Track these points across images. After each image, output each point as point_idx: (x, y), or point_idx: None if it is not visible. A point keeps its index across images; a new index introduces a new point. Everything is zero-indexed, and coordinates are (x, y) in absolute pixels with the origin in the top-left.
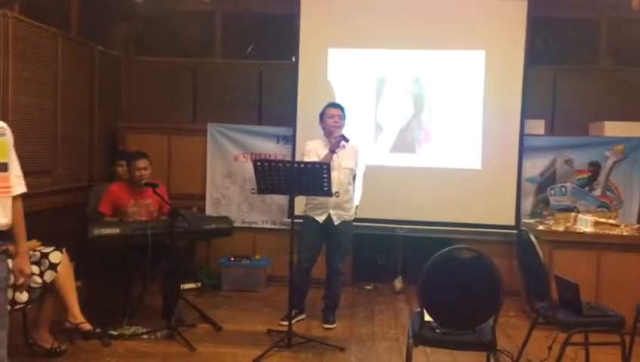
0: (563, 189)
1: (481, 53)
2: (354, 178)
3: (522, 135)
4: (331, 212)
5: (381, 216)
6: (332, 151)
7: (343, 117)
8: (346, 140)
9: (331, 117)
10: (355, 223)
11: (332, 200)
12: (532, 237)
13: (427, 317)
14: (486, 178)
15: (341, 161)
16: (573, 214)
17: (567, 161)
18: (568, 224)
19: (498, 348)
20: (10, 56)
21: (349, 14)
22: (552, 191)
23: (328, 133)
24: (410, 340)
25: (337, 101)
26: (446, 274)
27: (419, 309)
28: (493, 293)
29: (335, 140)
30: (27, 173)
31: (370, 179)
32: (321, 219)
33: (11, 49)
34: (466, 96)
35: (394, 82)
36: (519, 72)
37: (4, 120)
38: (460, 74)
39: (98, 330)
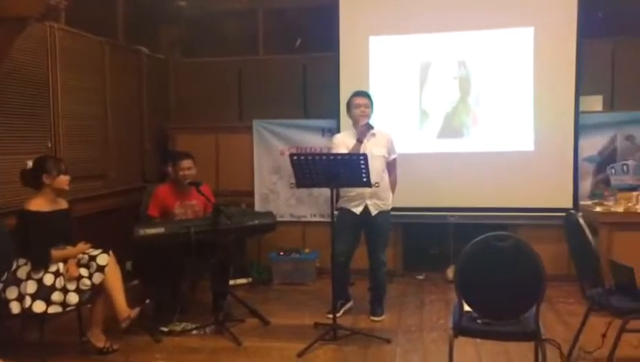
0: (625, 167)
1: (529, 30)
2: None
3: (577, 113)
4: (368, 202)
5: (431, 204)
6: (359, 141)
7: (369, 105)
8: (370, 128)
9: (357, 107)
10: (405, 212)
11: (368, 190)
12: (580, 220)
13: (467, 308)
14: (540, 160)
15: (372, 150)
16: (635, 193)
17: (629, 138)
18: (630, 204)
19: (546, 336)
20: (57, 67)
21: (389, 1)
22: (613, 170)
23: (355, 122)
24: (451, 331)
25: (380, 89)
26: (483, 262)
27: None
28: (534, 281)
29: (361, 129)
30: (80, 178)
31: (418, 167)
32: (358, 210)
33: (59, 60)
34: (515, 76)
35: (438, 66)
36: (572, 47)
37: (55, 128)
38: (507, 53)
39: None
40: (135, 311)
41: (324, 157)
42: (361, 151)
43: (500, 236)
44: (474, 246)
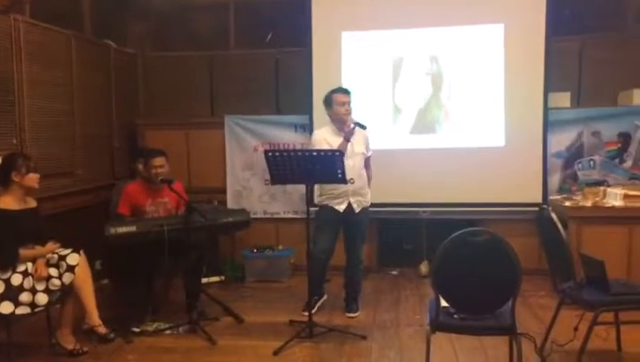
0: (591, 163)
1: (499, 26)
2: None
3: (546, 109)
4: (351, 200)
5: (404, 199)
6: (347, 140)
7: (350, 103)
8: (363, 128)
9: (342, 104)
10: (378, 208)
11: (351, 188)
12: (553, 215)
13: (444, 303)
14: (510, 155)
15: (354, 147)
16: (602, 188)
17: (595, 134)
18: (597, 199)
19: (520, 331)
20: (22, 60)
21: None
22: (580, 165)
23: (339, 120)
24: (428, 327)
25: (353, 85)
26: (460, 258)
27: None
28: (510, 275)
29: (350, 129)
30: (47, 176)
31: (391, 163)
32: (341, 208)
33: (24, 53)
34: (486, 72)
35: (410, 62)
36: (541, 44)
37: (20, 123)
38: (478, 49)
39: (112, 335)
40: (104, 330)
41: (299, 154)
42: (348, 150)
43: (476, 231)
44: (451, 241)
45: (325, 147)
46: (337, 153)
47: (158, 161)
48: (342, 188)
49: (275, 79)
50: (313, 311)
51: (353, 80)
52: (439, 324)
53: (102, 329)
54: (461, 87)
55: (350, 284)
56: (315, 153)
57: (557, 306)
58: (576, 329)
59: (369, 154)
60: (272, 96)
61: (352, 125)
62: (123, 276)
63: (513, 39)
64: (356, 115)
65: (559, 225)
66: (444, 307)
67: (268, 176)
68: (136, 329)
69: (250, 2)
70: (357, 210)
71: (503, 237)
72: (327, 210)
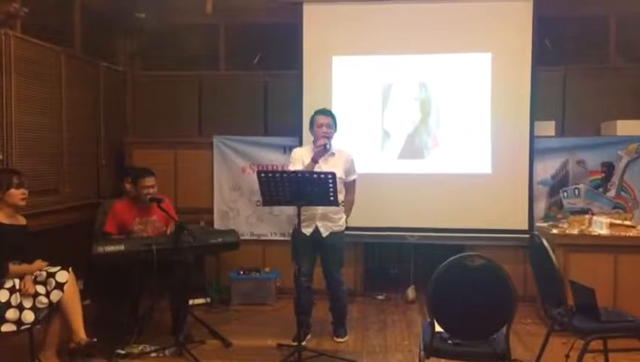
0: (576, 191)
1: (487, 55)
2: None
3: (532, 137)
4: (318, 224)
5: (391, 224)
6: (314, 160)
7: (331, 125)
8: (326, 150)
9: (320, 126)
10: (364, 232)
11: (319, 211)
12: (544, 242)
13: (438, 328)
14: (497, 182)
15: (324, 170)
16: (587, 216)
17: (580, 162)
18: (583, 227)
19: (513, 357)
20: (12, 76)
21: (352, 21)
22: (565, 194)
23: (316, 140)
24: (422, 352)
25: (343, 109)
26: (455, 283)
27: (429, 319)
28: (505, 301)
29: (318, 149)
30: (33, 193)
31: (379, 187)
32: (308, 231)
33: (14, 68)
34: (474, 100)
35: (400, 88)
36: (527, 73)
37: (7, 139)
38: (466, 77)
39: (94, 339)
40: (87, 341)
41: (292, 175)
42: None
43: (472, 256)
44: (447, 266)
45: (299, 167)
46: (330, 175)
47: (149, 181)
48: (310, 211)
49: (263, 101)
50: (303, 343)
51: (343, 104)
52: (434, 350)
53: (85, 341)
54: (449, 113)
55: (335, 307)
56: (307, 175)
57: (547, 333)
58: (567, 356)
59: (351, 178)
60: (261, 118)
61: (322, 146)
62: (107, 296)
63: (500, 68)
64: (343, 139)
65: (550, 252)
66: (438, 332)
67: (255, 198)
68: (122, 352)
69: (240, 24)
70: (324, 234)
71: (499, 262)
72: (298, 234)
